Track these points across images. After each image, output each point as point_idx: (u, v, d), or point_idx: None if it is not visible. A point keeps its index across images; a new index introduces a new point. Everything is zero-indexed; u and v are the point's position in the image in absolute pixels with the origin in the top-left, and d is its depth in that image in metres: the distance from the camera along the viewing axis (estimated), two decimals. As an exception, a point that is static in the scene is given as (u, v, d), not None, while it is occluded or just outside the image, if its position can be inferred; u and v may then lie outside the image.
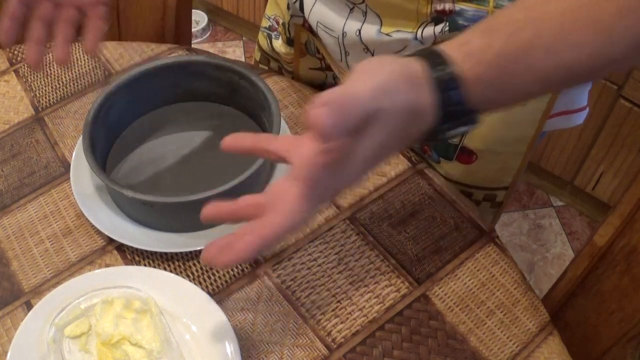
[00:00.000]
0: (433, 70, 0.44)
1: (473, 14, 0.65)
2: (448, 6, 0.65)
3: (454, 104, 0.45)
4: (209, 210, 0.50)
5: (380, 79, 0.44)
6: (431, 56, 0.45)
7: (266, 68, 0.93)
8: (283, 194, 0.46)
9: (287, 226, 0.46)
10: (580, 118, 0.79)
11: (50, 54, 0.88)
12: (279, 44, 0.87)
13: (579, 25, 0.44)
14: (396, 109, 0.43)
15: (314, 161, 0.45)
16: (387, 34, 0.69)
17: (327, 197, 0.48)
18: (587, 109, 0.79)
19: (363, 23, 0.71)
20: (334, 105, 0.40)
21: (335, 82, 0.87)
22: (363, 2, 0.68)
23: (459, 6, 0.64)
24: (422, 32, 0.67)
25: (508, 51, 0.45)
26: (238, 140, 0.52)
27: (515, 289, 0.66)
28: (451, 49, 0.45)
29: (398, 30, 0.69)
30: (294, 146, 0.49)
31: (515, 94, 0.47)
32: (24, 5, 0.63)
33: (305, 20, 0.78)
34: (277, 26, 0.87)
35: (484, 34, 0.46)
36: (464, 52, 0.45)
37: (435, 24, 0.66)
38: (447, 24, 0.66)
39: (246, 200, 0.49)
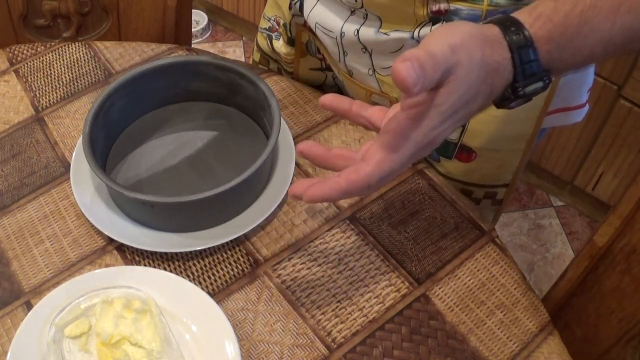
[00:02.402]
0: (507, 32, 0.48)
1: (468, 13, 0.65)
2: (443, 6, 0.65)
3: (529, 61, 0.48)
4: (304, 146, 0.52)
5: (457, 37, 0.47)
6: (504, 21, 0.49)
7: (265, 69, 0.93)
8: (372, 147, 0.48)
9: (375, 174, 0.48)
10: (579, 115, 0.79)
11: (50, 53, 0.89)
12: (279, 45, 0.87)
13: None
14: (473, 64, 0.46)
15: (399, 115, 0.47)
16: (385, 33, 0.69)
17: (415, 150, 0.49)
18: (587, 106, 0.79)
19: (362, 24, 0.71)
20: (416, 60, 0.43)
21: (335, 82, 0.87)
22: (362, 6, 0.69)
23: (453, 5, 0.65)
24: (419, 32, 0.68)
25: (574, 14, 0.48)
26: (336, 100, 0.55)
27: (515, 289, 0.66)
28: (521, 14, 0.50)
29: (396, 30, 0.69)
30: (384, 113, 0.52)
31: (582, 54, 0.50)
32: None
33: (306, 21, 0.78)
34: (277, 27, 0.87)
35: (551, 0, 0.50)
36: (533, 15, 0.49)
37: (433, 24, 0.67)
38: (444, 23, 0.66)
39: (340, 151, 0.52)
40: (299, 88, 0.85)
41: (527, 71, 0.49)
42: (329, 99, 0.55)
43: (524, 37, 0.48)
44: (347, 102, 0.55)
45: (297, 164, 0.75)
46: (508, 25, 0.49)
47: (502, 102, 0.52)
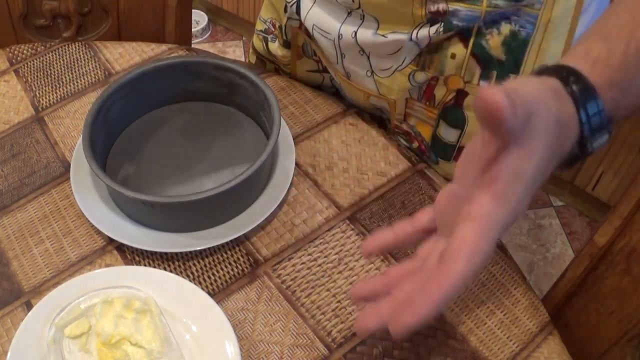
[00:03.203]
0: (567, 84, 0.43)
1: (466, 14, 0.65)
2: (442, 7, 0.65)
3: (594, 113, 0.43)
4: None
5: (531, 87, 0.41)
6: (559, 71, 0.44)
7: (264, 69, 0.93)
8: (458, 235, 0.40)
9: (468, 273, 0.39)
10: None
11: (50, 53, 0.89)
12: (275, 47, 0.87)
13: None
14: (551, 118, 0.40)
15: (481, 198, 0.40)
16: (383, 35, 0.69)
17: (504, 230, 0.41)
18: None
19: (359, 26, 0.71)
20: (503, 89, 0.36)
21: (332, 84, 0.87)
22: (359, 7, 0.69)
23: (452, 7, 0.65)
24: (417, 33, 0.68)
25: (629, 52, 0.45)
26: (378, 239, 0.50)
27: (515, 289, 0.66)
28: (575, 60, 0.45)
29: (394, 32, 0.69)
30: (429, 211, 0.47)
31: None
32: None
33: (301, 23, 0.78)
34: (273, 29, 0.86)
35: (602, 41, 0.45)
36: (589, 61, 0.44)
37: (431, 25, 0.67)
38: (442, 24, 0.66)
39: (396, 271, 0.46)
40: (299, 88, 0.85)
41: (594, 125, 0.43)
42: (369, 245, 0.50)
43: (587, 88, 0.43)
44: (389, 234, 0.49)
45: (297, 164, 0.75)
46: (565, 75, 0.43)
47: (571, 162, 0.45)
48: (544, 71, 0.44)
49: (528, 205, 0.42)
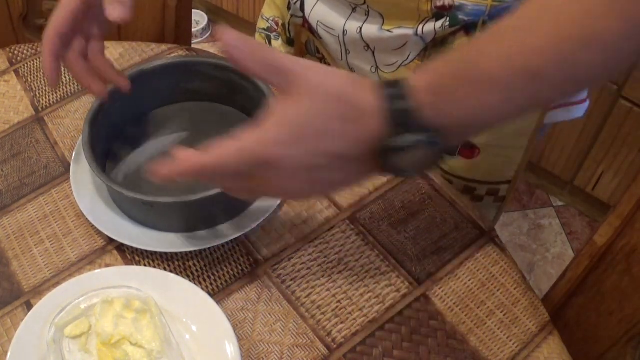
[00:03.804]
0: (382, 84, 0.44)
1: (472, 9, 0.65)
2: (448, 2, 0.65)
3: (403, 111, 0.43)
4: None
5: (323, 66, 0.46)
6: (385, 81, 0.45)
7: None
8: (219, 143, 0.48)
9: (208, 167, 0.48)
10: (580, 110, 0.79)
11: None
12: (278, 45, 0.87)
13: (529, 32, 0.42)
14: (330, 92, 0.44)
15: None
16: (389, 30, 0.69)
17: (260, 158, 0.46)
18: (588, 101, 0.79)
19: (365, 22, 0.71)
20: (244, 38, 0.45)
21: None
22: (365, 2, 0.69)
23: (458, 1, 0.65)
24: (422, 28, 0.68)
25: (457, 58, 0.44)
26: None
27: (515, 289, 0.66)
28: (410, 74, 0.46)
29: (399, 27, 0.69)
30: None
31: (478, 105, 0.43)
32: (63, 43, 0.64)
33: (305, 20, 0.78)
34: (276, 27, 0.87)
35: (443, 56, 0.45)
36: (418, 70, 0.45)
37: (436, 20, 0.67)
38: (448, 19, 0.66)
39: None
40: (299, 88, 0.85)
41: (401, 124, 0.43)
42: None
43: (400, 88, 0.43)
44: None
45: (297, 164, 0.75)
46: (387, 83, 0.45)
47: (381, 158, 0.45)
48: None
49: (297, 161, 0.45)
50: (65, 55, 0.65)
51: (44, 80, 0.86)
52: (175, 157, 0.48)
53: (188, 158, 0.48)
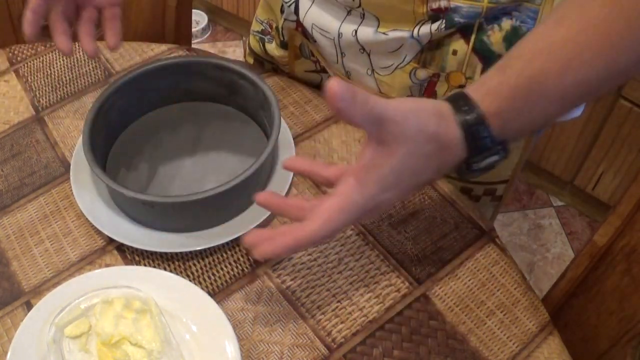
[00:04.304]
0: (457, 112, 0.50)
1: (468, 10, 0.65)
2: (443, 4, 0.65)
3: (481, 138, 0.50)
4: (262, 197, 0.56)
5: (409, 105, 0.49)
6: (455, 99, 0.50)
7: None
8: (322, 204, 0.51)
9: (319, 234, 0.51)
10: (577, 110, 0.79)
11: (50, 53, 0.89)
12: (272, 48, 0.87)
13: (589, 46, 0.48)
14: (424, 134, 0.49)
15: (347, 177, 0.51)
16: (384, 33, 0.69)
17: (359, 214, 0.51)
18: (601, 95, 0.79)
19: (360, 24, 0.71)
20: (351, 87, 0.46)
21: None
22: (360, 5, 0.69)
23: (454, 3, 0.65)
24: (418, 31, 0.68)
25: (520, 84, 0.49)
26: (297, 162, 0.60)
27: (515, 289, 0.66)
28: (472, 90, 0.51)
29: (395, 29, 0.69)
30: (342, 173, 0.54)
31: (536, 118, 0.51)
32: (45, 1, 0.67)
33: (298, 24, 0.78)
34: (270, 30, 0.86)
35: (498, 72, 0.51)
36: (482, 92, 0.50)
37: (432, 22, 0.67)
38: (444, 21, 0.66)
39: (295, 202, 0.55)
40: (299, 88, 0.85)
41: (480, 148, 0.50)
42: (289, 162, 0.59)
43: (475, 116, 0.49)
44: (307, 163, 0.58)
45: (297, 164, 0.75)
46: (460, 103, 0.50)
47: (460, 175, 0.53)
48: (447, 98, 0.51)
49: (395, 200, 0.52)
50: (50, 15, 0.68)
51: (44, 80, 0.86)
52: (282, 233, 0.52)
53: (298, 234, 0.51)
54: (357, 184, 0.50)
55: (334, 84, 0.46)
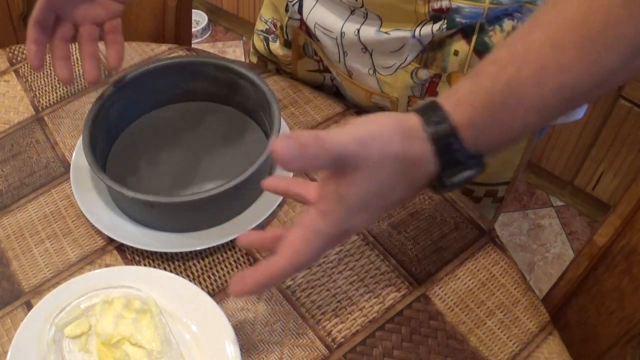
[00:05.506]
0: (427, 124, 0.46)
1: (469, 11, 0.65)
2: (445, 4, 0.65)
3: (453, 151, 0.46)
4: (243, 239, 0.55)
5: (371, 128, 0.46)
6: (425, 110, 0.47)
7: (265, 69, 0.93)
8: (287, 236, 0.49)
9: (288, 268, 0.49)
10: (579, 112, 0.79)
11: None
12: (276, 47, 0.87)
13: (566, 47, 0.44)
14: (387, 158, 0.46)
15: (310, 209, 0.49)
16: (386, 32, 0.69)
17: (327, 243, 0.49)
18: (587, 103, 0.79)
19: (362, 24, 0.71)
20: (297, 139, 0.43)
21: (333, 84, 0.87)
22: (362, 5, 0.69)
23: (455, 4, 0.65)
24: (420, 31, 0.68)
25: (495, 91, 0.45)
26: (275, 182, 0.57)
27: (515, 289, 0.66)
28: (444, 99, 0.47)
29: (397, 29, 0.69)
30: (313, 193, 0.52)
31: (514, 128, 0.47)
32: (43, 30, 0.66)
33: (302, 23, 0.78)
34: (274, 29, 0.86)
35: (471, 80, 0.47)
36: (453, 101, 0.46)
37: (434, 22, 0.67)
38: (445, 21, 0.66)
39: (271, 233, 0.53)
40: (299, 88, 0.85)
41: (452, 162, 0.47)
42: (268, 183, 0.56)
43: (447, 127, 0.46)
44: (285, 183, 0.55)
45: (297, 164, 0.75)
46: (429, 114, 0.47)
47: (434, 191, 0.50)
48: (416, 108, 0.48)
49: (365, 223, 0.50)
50: (50, 40, 0.67)
51: (44, 80, 0.86)
52: (254, 270, 0.50)
53: (268, 270, 0.49)
54: (322, 215, 0.48)
55: (277, 145, 0.43)
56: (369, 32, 0.71)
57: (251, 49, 0.94)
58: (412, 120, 0.47)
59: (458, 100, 0.46)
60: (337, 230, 0.48)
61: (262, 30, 0.89)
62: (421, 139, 0.46)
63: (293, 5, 0.77)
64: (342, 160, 0.45)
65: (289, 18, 0.81)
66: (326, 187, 0.48)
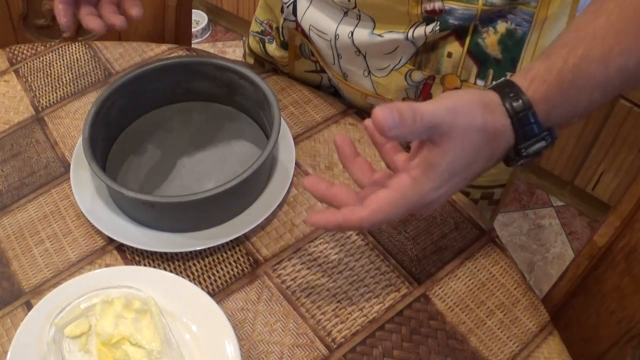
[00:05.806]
0: (505, 98, 0.50)
1: (462, 13, 0.65)
2: (437, 5, 0.65)
3: (529, 124, 0.51)
4: (308, 182, 0.54)
5: (456, 100, 0.50)
6: (502, 87, 0.51)
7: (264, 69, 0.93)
8: (375, 195, 0.51)
9: (367, 221, 0.51)
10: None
11: (50, 53, 0.89)
12: (272, 48, 0.87)
13: (627, 34, 0.50)
14: (472, 128, 0.49)
15: (402, 174, 0.51)
16: (379, 35, 0.69)
17: (410, 209, 0.51)
18: None
19: (356, 26, 0.71)
20: (396, 108, 0.46)
21: (330, 84, 0.87)
22: (355, 6, 0.69)
23: (448, 5, 0.65)
24: (413, 32, 0.68)
25: (566, 69, 0.50)
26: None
27: (515, 289, 0.66)
28: (517, 78, 0.52)
29: (390, 31, 0.69)
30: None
31: (581, 104, 0.52)
32: None
33: (298, 24, 0.78)
34: (270, 30, 0.86)
35: (543, 59, 0.52)
36: (528, 78, 0.51)
37: (427, 24, 0.67)
38: (438, 23, 0.66)
39: (340, 189, 0.54)
40: (299, 88, 0.85)
41: (528, 134, 0.51)
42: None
43: (522, 102, 0.50)
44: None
45: (297, 164, 0.75)
46: (506, 90, 0.51)
47: (508, 162, 0.54)
48: (492, 86, 0.52)
49: (447, 196, 0.52)
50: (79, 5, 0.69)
51: (44, 80, 0.86)
52: (335, 210, 0.52)
53: (347, 216, 0.51)
54: (413, 181, 0.50)
55: (378, 115, 0.45)
56: (363, 34, 0.71)
57: (247, 50, 0.94)
58: (491, 95, 0.51)
59: (532, 78, 0.51)
60: (422, 199, 0.50)
61: (257, 32, 0.89)
62: (500, 113, 0.50)
63: (287, 6, 0.77)
64: (435, 129, 0.48)
65: (285, 19, 0.80)
66: (417, 156, 0.50)
